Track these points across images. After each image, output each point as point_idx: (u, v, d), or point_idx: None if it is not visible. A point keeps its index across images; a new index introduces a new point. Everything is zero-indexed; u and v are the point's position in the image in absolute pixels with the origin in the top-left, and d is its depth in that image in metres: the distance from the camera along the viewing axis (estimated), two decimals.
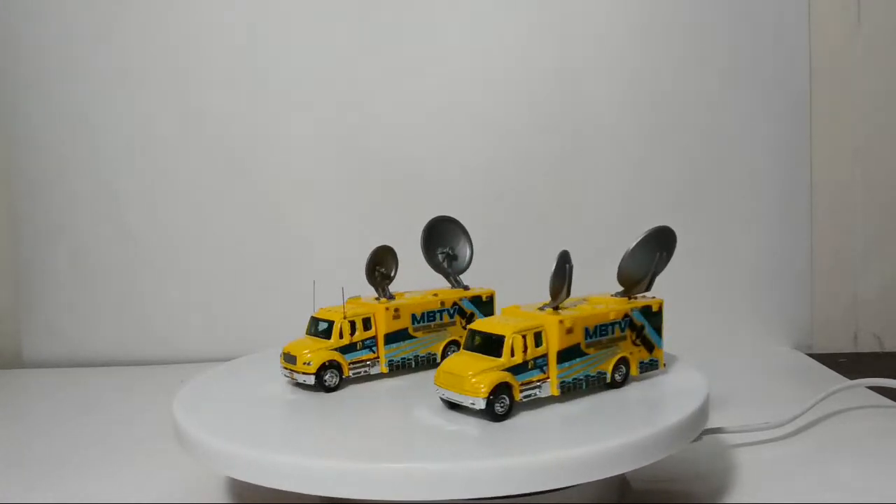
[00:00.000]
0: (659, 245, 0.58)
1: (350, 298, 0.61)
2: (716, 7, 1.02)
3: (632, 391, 0.55)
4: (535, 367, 0.50)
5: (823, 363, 0.94)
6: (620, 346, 0.55)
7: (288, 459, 0.44)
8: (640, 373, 0.57)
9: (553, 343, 0.50)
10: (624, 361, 0.55)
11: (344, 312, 0.57)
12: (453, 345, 0.62)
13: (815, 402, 0.68)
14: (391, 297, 0.61)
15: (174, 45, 1.04)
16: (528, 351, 0.49)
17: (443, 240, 0.66)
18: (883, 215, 1.05)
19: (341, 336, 0.57)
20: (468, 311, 0.63)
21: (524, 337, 0.49)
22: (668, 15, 1.02)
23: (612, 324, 0.54)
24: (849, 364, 0.96)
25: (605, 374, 0.54)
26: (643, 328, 0.56)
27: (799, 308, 1.05)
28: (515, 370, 0.49)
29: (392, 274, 0.62)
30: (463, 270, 0.66)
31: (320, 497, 0.56)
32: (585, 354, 0.52)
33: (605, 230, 1.04)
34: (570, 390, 0.52)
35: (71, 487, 0.61)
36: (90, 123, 1.05)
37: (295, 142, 1.04)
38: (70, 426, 0.77)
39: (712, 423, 0.63)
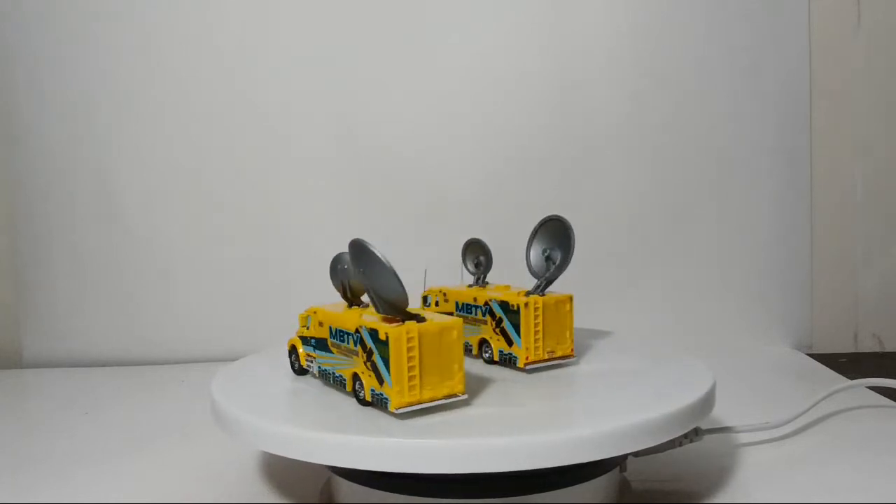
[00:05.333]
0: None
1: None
2: (716, 8, 1.02)
3: (631, 379, 0.55)
4: (311, 344, 0.55)
5: (823, 363, 0.94)
6: (354, 361, 0.49)
7: (318, 434, 0.45)
8: (374, 406, 0.48)
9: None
10: (358, 379, 0.49)
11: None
12: (485, 343, 0.61)
13: (815, 402, 0.68)
14: (483, 285, 0.63)
15: (173, 44, 1.04)
16: (311, 329, 0.55)
17: (544, 240, 0.60)
18: (883, 215, 1.05)
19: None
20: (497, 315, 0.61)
21: (308, 317, 0.55)
22: (668, 16, 1.02)
23: (347, 334, 0.50)
24: (849, 364, 0.96)
25: (344, 380, 0.51)
26: (373, 354, 0.47)
27: (799, 308, 1.05)
28: (303, 341, 0.56)
29: (483, 262, 0.63)
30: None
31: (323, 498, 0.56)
32: (331, 352, 0.53)
33: (605, 231, 1.04)
34: (326, 379, 0.54)
35: (71, 487, 0.60)
36: (90, 124, 1.05)
37: (294, 142, 1.04)
38: (70, 426, 0.77)
39: (712, 422, 0.64)
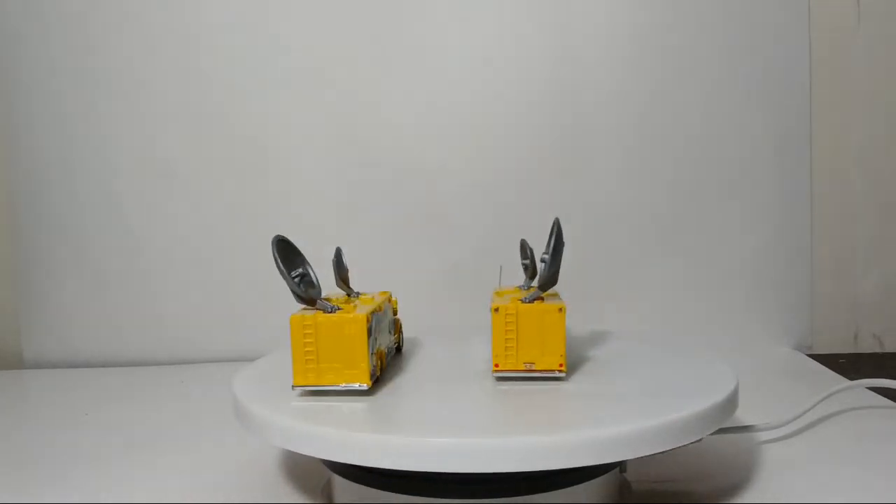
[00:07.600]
0: None
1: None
2: (715, 7, 1.02)
3: (648, 378, 0.55)
4: None
5: (823, 363, 0.94)
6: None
7: (340, 433, 0.45)
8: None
9: None
10: None
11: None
12: None
13: (815, 402, 0.68)
14: (527, 287, 0.62)
15: (174, 43, 1.04)
16: None
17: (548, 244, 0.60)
18: (883, 215, 1.05)
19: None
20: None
21: None
22: (668, 15, 1.02)
23: None
24: (849, 364, 0.96)
25: None
26: None
27: (799, 308, 1.05)
28: None
29: (528, 265, 0.63)
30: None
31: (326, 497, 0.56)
32: None
33: (604, 231, 1.04)
34: None
35: (71, 488, 0.61)
36: (91, 124, 1.05)
37: (297, 141, 1.04)
38: (70, 427, 0.77)
39: None
